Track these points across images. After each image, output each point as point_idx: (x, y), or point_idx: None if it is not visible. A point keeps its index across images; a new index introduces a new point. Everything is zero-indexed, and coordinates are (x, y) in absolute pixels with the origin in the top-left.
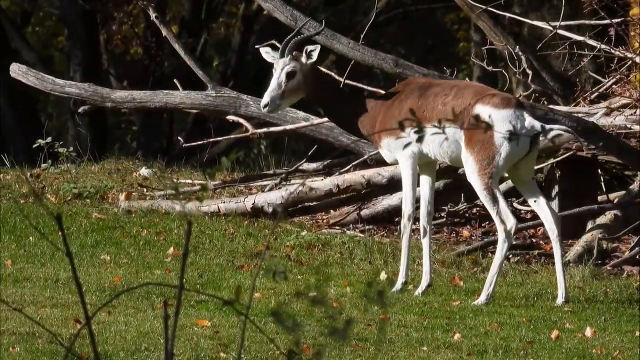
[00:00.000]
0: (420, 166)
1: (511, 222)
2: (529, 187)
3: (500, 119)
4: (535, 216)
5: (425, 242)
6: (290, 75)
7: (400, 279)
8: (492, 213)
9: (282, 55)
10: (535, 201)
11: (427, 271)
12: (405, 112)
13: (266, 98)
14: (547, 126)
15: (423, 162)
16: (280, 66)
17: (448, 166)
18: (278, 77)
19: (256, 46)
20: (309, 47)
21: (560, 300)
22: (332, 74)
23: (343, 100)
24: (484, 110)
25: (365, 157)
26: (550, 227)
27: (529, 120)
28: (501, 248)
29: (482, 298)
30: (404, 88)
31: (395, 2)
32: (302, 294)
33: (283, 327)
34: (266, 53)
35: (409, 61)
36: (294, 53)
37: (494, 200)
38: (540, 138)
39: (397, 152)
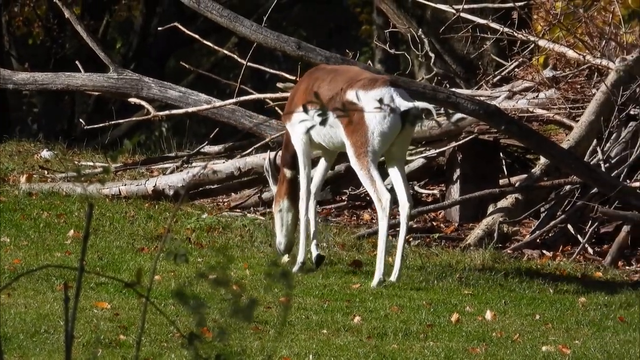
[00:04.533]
0: (324, 152)
1: (385, 197)
2: (399, 167)
3: (368, 99)
4: (436, 200)
5: (311, 219)
6: None
7: (299, 258)
8: (370, 191)
9: None
10: (398, 182)
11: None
12: (297, 97)
13: None
14: (411, 104)
15: (319, 149)
16: None
17: None
18: None
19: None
20: None
21: (393, 278)
22: (235, 56)
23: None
24: (353, 94)
25: (267, 139)
26: (403, 214)
27: (398, 100)
28: (383, 224)
29: (377, 278)
30: (305, 75)
31: None
32: (204, 275)
33: (186, 307)
34: None
35: (312, 44)
36: None
37: (372, 180)
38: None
39: (293, 135)
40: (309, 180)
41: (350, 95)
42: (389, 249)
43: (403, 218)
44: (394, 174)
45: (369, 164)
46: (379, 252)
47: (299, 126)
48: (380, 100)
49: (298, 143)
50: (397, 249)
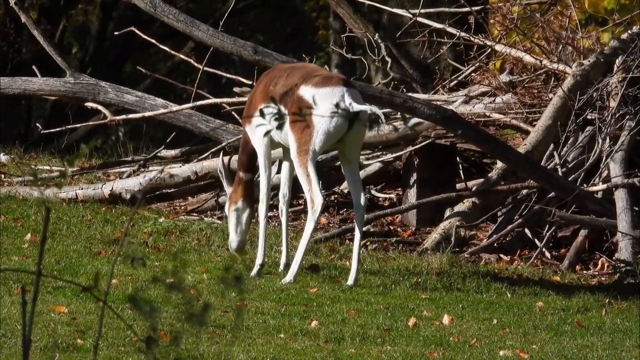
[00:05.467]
0: (284, 151)
1: (318, 200)
2: (352, 169)
3: (320, 97)
4: (392, 204)
5: (283, 223)
6: None
7: (258, 261)
8: (305, 190)
9: None
10: (352, 184)
11: (285, 252)
12: (256, 97)
13: None
14: (362, 106)
15: (279, 147)
16: None
17: None
18: None
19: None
20: None
21: (350, 282)
22: (191, 60)
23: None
24: (305, 91)
25: (224, 144)
26: (358, 217)
27: (348, 100)
28: (310, 225)
29: (288, 277)
30: (266, 73)
31: None
32: (159, 280)
33: (140, 312)
34: None
35: (269, 48)
36: None
37: (308, 179)
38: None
39: (254, 136)
40: (270, 182)
41: (303, 91)
42: (347, 252)
43: (358, 221)
44: (349, 176)
45: (308, 163)
46: (299, 251)
47: (259, 129)
48: (331, 99)
49: (259, 145)
50: (353, 252)
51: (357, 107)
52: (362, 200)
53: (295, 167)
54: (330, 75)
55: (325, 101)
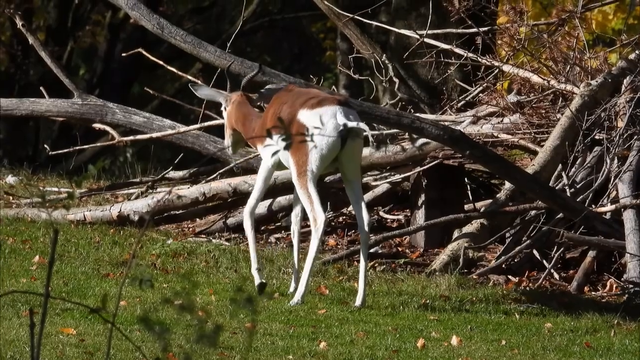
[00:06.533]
0: None
1: (321, 218)
2: (354, 187)
3: (312, 118)
4: (401, 225)
5: (295, 245)
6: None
7: (254, 265)
8: (307, 210)
9: None
10: (355, 204)
11: (295, 277)
12: (268, 120)
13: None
14: (349, 124)
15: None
16: None
17: None
18: None
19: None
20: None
21: (358, 303)
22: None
23: (249, 121)
24: (302, 115)
25: (232, 165)
26: (362, 238)
27: (340, 119)
28: (314, 244)
29: (296, 298)
30: (275, 97)
31: (261, 11)
32: (169, 301)
33: (151, 332)
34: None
35: (276, 69)
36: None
37: (310, 199)
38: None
39: (262, 154)
40: (257, 203)
41: (300, 115)
42: (355, 274)
43: (363, 243)
44: (352, 196)
45: (308, 183)
46: (305, 272)
47: (268, 149)
48: (323, 119)
49: (264, 167)
50: (360, 273)
51: (348, 123)
52: (366, 222)
53: (297, 189)
54: (327, 97)
55: (315, 122)
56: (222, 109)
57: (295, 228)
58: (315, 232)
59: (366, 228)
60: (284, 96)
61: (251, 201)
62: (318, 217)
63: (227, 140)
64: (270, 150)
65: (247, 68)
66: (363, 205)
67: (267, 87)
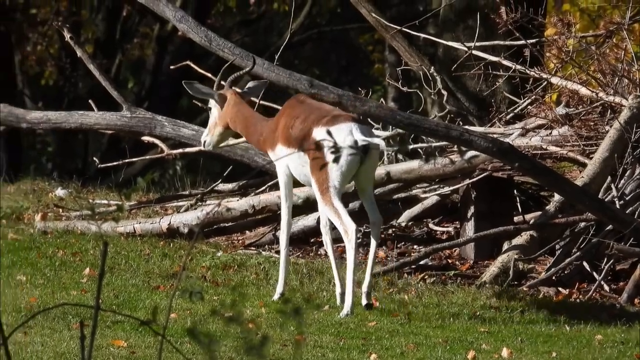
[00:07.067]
0: None
1: (352, 228)
2: (367, 194)
3: (327, 136)
4: (450, 237)
5: (330, 254)
6: (210, 112)
7: (278, 289)
8: (337, 224)
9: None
10: (368, 205)
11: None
12: (279, 130)
13: (202, 137)
14: (369, 139)
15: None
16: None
17: None
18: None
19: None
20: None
21: (363, 302)
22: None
23: (253, 124)
24: (317, 132)
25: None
26: (374, 232)
27: (357, 135)
28: (350, 254)
29: (345, 310)
30: (285, 106)
31: (309, 23)
32: (217, 313)
33: (199, 344)
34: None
35: (324, 82)
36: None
37: (337, 214)
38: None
39: (278, 168)
40: (290, 212)
41: (316, 133)
42: (405, 286)
43: (375, 236)
44: (365, 199)
45: (333, 198)
46: (348, 284)
47: (280, 164)
48: (341, 135)
49: (280, 175)
50: (367, 266)
51: (363, 139)
52: (378, 215)
53: (322, 207)
54: (340, 114)
55: (332, 139)
56: (211, 105)
57: (326, 238)
58: (348, 243)
59: (379, 220)
60: (297, 108)
61: (283, 218)
62: (348, 228)
63: (210, 138)
64: (283, 164)
65: (296, 80)
66: (375, 205)
67: (249, 85)
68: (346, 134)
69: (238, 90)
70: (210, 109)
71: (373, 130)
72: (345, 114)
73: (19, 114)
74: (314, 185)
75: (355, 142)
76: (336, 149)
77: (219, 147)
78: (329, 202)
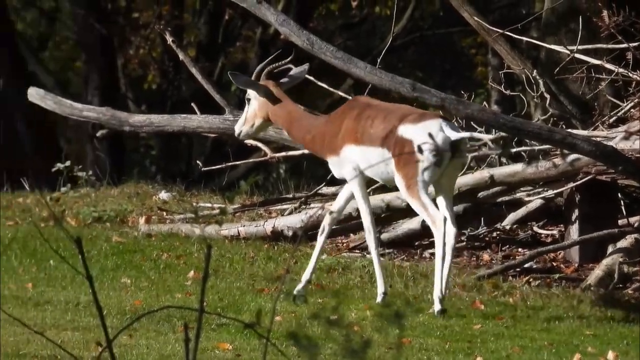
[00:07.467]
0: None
1: (439, 218)
2: (446, 197)
3: (418, 132)
4: (555, 240)
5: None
6: (248, 102)
7: (379, 290)
8: (424, 217)
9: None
10: (441, 208)
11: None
12: (344, 132)
13: (236, 127)
14: (460, 134)
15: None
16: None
17: (467, 190)
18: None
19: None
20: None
21: (437, 306)
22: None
23: (297, 120)
24: (404, 130)
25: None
26: (449, 239)
27: (447, 131)
28: (439, 246)
29: (436, 306)
30: (347, 108)
31: (412, 27)
32: (318, 316)
33: (299, 347)
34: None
35: (427, 85)
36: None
37: (424, 207)
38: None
39: (343, 170)
40: (371, 212)
41: (402, 130)
42: (510, 289)
43: (449, 244)
44: (441, 203)
45: (420, 192)
46: (437, 276)
47: (350, 165)
48: (430, 133)
49: (351, 176)
50: (443, 274)
51: (455, 135)
52: (453, 224)
53: (408, 201)
54: (426, 112)
55: (420, 136)
56: (250, 96)
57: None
58: (438, 233)
59: (454, 232)
60: (367, 109)
61: (365, 221)
62: (436, 220)
63: (247, 128)
64: (351, 166)
65: (398, 84)
66: (452, 210)
67: (290, 74)
68: (437, 130)
69: (280, 81)
70: (249, 99)
71: (474, 133)
72: (429, 112)
73: (122, 117)
74: (400, 181)
75: (447, 137)
76: (435, 148)
77: (248, 139)
78: (416, 196)
